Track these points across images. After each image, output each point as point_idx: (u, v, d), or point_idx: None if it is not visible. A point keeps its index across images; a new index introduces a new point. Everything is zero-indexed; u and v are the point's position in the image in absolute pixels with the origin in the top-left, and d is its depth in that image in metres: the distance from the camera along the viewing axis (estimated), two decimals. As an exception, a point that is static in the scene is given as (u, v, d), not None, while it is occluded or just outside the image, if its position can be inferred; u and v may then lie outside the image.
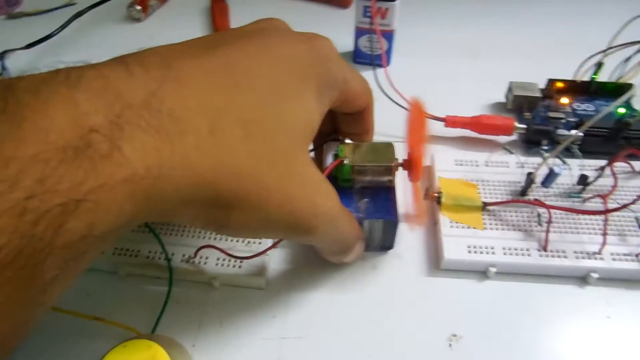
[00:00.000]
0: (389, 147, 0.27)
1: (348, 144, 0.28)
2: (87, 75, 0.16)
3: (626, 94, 0.27)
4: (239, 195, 0.18)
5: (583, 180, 0.29)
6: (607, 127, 0.34)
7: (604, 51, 0.35)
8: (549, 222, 0.28)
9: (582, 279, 0.27)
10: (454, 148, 0.35)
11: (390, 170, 0.27)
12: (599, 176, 0.30)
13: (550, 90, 0.37)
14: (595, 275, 0.27)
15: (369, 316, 0.26)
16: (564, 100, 0.37)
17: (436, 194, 0.29)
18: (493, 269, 0.27)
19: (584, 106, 0.36)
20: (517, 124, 0.34)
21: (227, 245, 0.27)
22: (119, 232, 0.16)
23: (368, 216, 0.26)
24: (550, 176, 0.29)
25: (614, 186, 0.30)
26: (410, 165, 0.26)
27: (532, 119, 0.35)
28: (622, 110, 0.36)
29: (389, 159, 0.27)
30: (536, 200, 0.28)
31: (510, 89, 0.36)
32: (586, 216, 0.28)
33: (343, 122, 0.29)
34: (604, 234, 0.27)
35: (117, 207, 0.15)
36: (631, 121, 0.33)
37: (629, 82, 0.36)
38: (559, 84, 0.37)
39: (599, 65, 0.35)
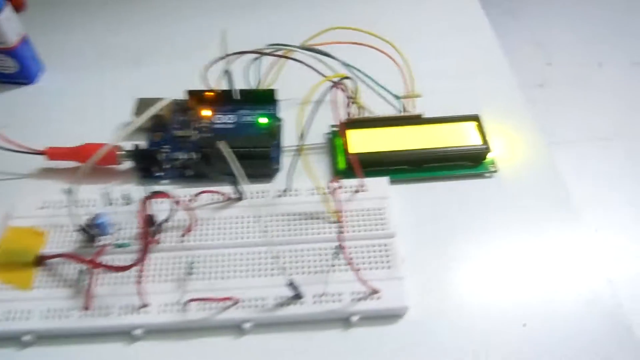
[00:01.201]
0: None
1: None
2: None
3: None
4: None
5: (151, 221, 0.28)
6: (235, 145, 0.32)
7: (222, 58, 0.33)
8: (92, 276, 0.26)
9: (129, 334, 0.26)
10: (61, 183, 0.32)
11: None
12: (171, 213, 0.28)
13: (191, 103, 0.35)
14: (138, 332, 0.26)
15: None
16: (206, 112, 0.35)
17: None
18: (28, 337, 0.26)
19: (226, 118, 0.35)
20: (121, 152, 0.32)
21: None
22: None
23: None
24: (99, 225, 0.27)
25: (191, 224, 0.29)
26: None
27: (156, 142, 0.33)
28: (263, 120, 0.35)
29: None
30: (76, 255, 0.26)
31: (137, 108, 0.34)
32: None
33: None
34: (139, 283, 0.25)
35: None
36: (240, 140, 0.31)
37: (270, 87, 0.35)
38: (203, 95, 0.35)
39: (227, 72, 0.33)
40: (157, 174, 0.32)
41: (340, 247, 0.24)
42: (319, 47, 0.32)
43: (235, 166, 0.24)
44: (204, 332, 0.26)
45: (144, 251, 0.22)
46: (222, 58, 0.32)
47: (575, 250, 0.29)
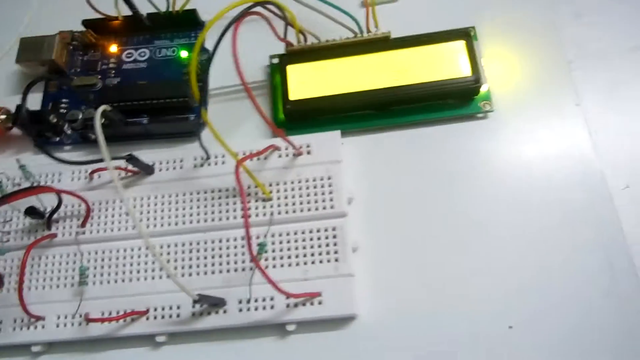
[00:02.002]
0: None
1: None
2: None
3: None
4: None
5: (36, 213, 0.23)
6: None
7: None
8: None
9: (29, 349, 0.22)
10: None
11: None
12: (59, 203, 0.22)
13: (92, 38, 0.27)
14: (38, 348, 0.22)
15: None
16: (113, 48, 0.27)
17: None
18: None
19: (137, 54, 0.27)
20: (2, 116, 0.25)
21: None
22: None
23: None
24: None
25: (88, 211, 0.23)
26: None
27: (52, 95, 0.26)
28: (185, 54, 0.27)
29: None
30: None
31: (21, 52, 0.27)
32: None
33: None
34: (20, 296, 0.21)
35: None
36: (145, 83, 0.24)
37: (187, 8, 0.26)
38: (105, 25, 0.27)
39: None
40: (55, 140, 0.26)
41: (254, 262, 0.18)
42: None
43: (103, 146, 0.18)
44: (114, 343, 0.22)
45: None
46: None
47: (602, 228, 0.21)
